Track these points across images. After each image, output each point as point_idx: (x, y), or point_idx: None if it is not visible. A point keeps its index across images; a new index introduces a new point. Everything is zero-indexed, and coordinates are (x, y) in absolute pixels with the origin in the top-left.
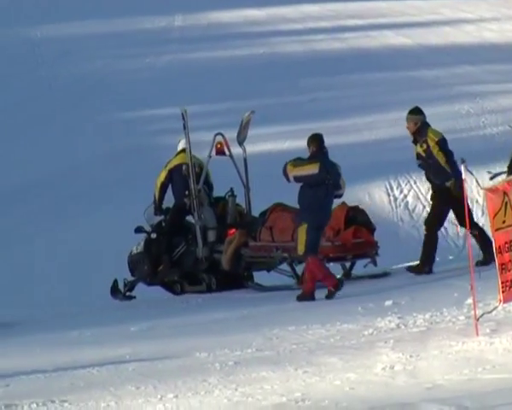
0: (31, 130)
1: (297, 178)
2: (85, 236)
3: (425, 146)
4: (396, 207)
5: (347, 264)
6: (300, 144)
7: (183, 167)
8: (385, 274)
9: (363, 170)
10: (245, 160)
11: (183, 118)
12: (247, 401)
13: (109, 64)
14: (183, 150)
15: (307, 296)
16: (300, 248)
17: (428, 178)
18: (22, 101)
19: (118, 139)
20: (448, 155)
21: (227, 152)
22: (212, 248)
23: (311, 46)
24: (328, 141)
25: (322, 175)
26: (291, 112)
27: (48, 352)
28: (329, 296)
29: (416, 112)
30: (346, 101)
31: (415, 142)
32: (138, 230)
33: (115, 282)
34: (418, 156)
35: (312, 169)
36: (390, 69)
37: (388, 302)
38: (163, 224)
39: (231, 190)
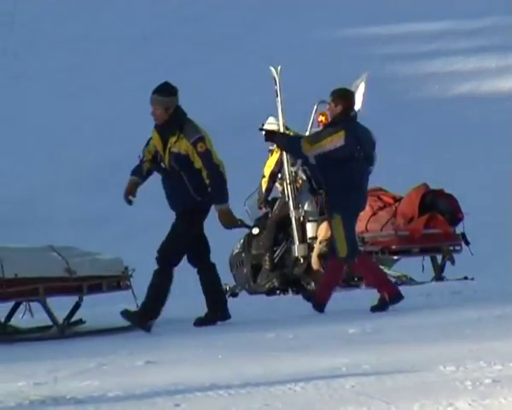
0: None
1: (320, 157)
2: None
3: None
4: None
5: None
6: None
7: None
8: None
9: None
10: None
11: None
12: None
13: None
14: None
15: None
16: (342, 250)
17: None
18: None
19: None
20: None
21: None
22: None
23: None
24: None
25: (350, 147)
26: None
27: (233, 360)
28: (380, 307)
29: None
30: None
31: None
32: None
33: None
34: None
35: (336, 141)
36: None
37: None
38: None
39: None
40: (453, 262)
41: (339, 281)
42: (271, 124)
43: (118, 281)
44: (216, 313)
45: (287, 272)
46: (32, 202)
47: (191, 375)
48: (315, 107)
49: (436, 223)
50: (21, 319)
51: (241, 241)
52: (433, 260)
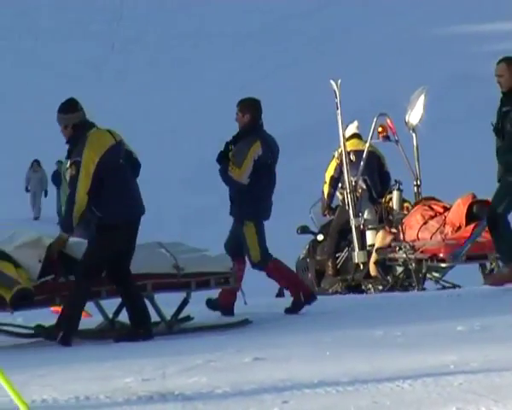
0: None
1: (248, 176)
2: None
3: None
4: None
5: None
6: None
7: (350, 155)
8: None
9: None
10: (417, 147)
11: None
12: None
13: None
14: (355, 135)
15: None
16: (255, 256)
17: None
18: None
19: None
20: None
21: (392, 137)
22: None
23: None
24: None
25: (266, 155)
26: None
27: (341, 357)
28: (295, 308)
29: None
30: None
31: None
32: (303, 230)
33: None
34: None
35: (257, 150)
36: None
37: None
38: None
39: (397, 182)
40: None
41: (287, 275)
42: (350, 130)
43: (226, 277)
44: (138, 329)
45: (348, 277)
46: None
47: (299, 372)
48: (375, 119)
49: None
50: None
51: (307, 247)
52: (483, 267)
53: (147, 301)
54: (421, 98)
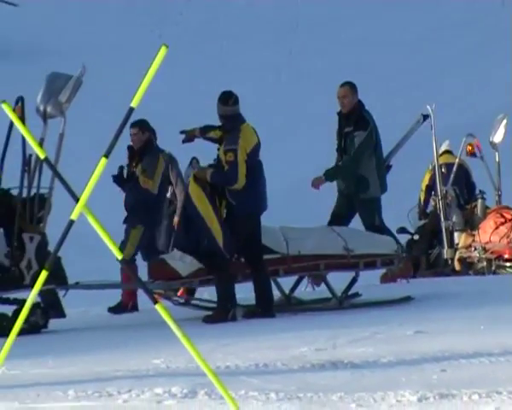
0: None
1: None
2: None
3: None
4: None
5: None
6: None
7: (442, 168)
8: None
9: None
10: (498, 163)
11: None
12: None
13: None
14: (447, 151)
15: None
16: (126, 254)
17: None
18: None
19: None
20: None
21: (478, 154)
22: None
23: None
24: None
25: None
26: None
27: (494, 330)
28: (118, 310)
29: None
30: None
31: None
32: (401, 230)
33: None
34: None
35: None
36: None
37: None
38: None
39: (481, 192)
40: None
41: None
42: (442, 147)
43: (391, 259)
44: (258, 307)
45: (438, 270)
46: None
47: (456, 344)
48: (464, 138)
49: None
50: (304, 292)
51: (404, 245)
52: None
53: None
54: (504, 122)
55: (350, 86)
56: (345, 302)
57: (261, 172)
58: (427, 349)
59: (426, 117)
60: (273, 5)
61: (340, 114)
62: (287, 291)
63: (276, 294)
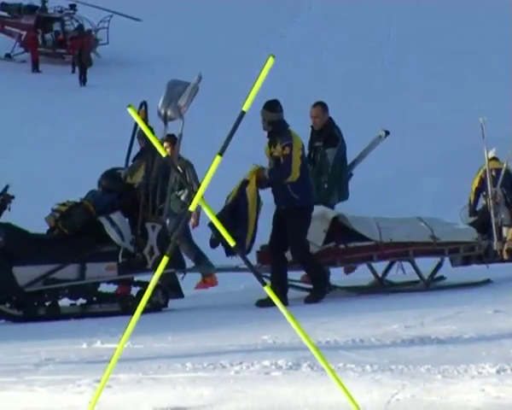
0: None
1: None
2: None
3: None
4: None
5: None
6: None
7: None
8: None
9: None
10: None
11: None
12: None
13: None
14: (494, 158)
15: None
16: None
17: None
18: None
19: None
20: None
21: None
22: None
23: None
24: None
25: None
26: None
27: None
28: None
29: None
30: None
31: None
32: None
33: None
34: None
35: None
36: None
37: None
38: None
39: None
40: None
41: None
42: (490, 154)
43: (472, 247)
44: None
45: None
46: (404, 181)
47: None
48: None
49: None
50: (395, 275)
51: None
52: None
53: (408, 264)
54: None
55: (321, 106)
56: (431, 284)
57: (308, 171)
58: (506, 327)
59: (387, 133)
60: (366, 19)
61: (312, 128)
62: (380, 274)
63: (370, 277)
